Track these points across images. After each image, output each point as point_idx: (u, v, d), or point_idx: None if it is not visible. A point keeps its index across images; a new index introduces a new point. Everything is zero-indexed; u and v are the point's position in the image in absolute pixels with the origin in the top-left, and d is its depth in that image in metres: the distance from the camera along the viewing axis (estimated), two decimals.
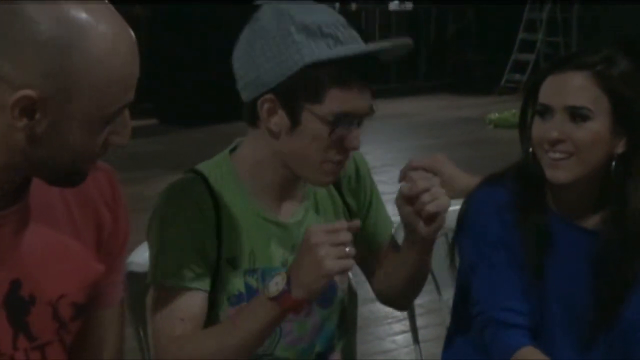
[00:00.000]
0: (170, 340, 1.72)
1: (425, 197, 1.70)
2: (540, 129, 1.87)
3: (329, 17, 1.70)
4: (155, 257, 1.77)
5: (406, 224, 1.78)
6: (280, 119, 1.71)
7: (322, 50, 1.66)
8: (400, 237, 1.94)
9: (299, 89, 1.68)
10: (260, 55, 1.71)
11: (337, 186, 1.90)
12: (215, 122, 9.28)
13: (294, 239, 1.82)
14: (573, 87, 1.84)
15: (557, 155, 1.85)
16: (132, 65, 1.31)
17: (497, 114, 9.27)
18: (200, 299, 1.75)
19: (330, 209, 1.90)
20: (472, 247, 1.92)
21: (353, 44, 1.69)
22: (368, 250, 1.93)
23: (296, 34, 1.66)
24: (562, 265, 1.93)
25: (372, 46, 1.74)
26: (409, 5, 12.30)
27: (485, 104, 10.12)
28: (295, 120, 1.70)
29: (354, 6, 11.76)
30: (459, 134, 8.50)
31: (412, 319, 2.28)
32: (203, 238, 1.75)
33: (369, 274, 1.97)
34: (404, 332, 2.78)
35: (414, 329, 2.29)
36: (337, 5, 11.68)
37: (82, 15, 1.24)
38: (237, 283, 1.78)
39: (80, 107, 1.27)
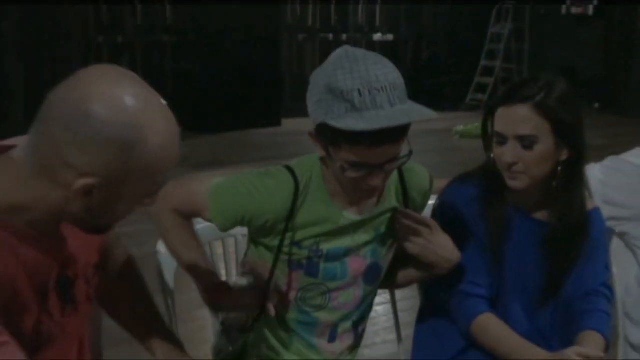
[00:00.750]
0: (169, 198, 1.74)
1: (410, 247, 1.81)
2: (498, 152, 1.88)
3: (358, 80, 1.55)
4: (227, 176, 1.78)
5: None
6: (321, 149, 1.67)
7: (340, 112, 1.55)
8: None
9: (324, 136, 1.62)
10: (308, 95, 1.64)
11: (405, 192, 1.84)
12: (226, 130, 9.25)
13: (358, 232, 1.80)
14: (519, 119, 1.83)
15: (514, 175, 1.87)
16: (177, 154, 1.31)
17: (462, 127, 9.23)
18: (204, 219, 1.81)
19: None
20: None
21: (371, 111, 1.54)
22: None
23: (324, 93, 1.57)
24: (517, 248, 1.95)
25: (372, 123, 1.53)
26: (390, 37, 12.30)
27: (453, 118, 10.07)
28: (328, 154, 1.65)
29: (344, 37, 11.74)
30: (431, 143, 8.48)
31: (391, 292, 2.28)
32: (259, 209, 1.72)
33: None
34: (383, 303, 2.77)
35: (393, 301, 2.28)
36: (331, 35, 11.68)
37: (144, 119, 1.23)
38: (301, 255, 1.77)
39: (131, 190, 1.29)
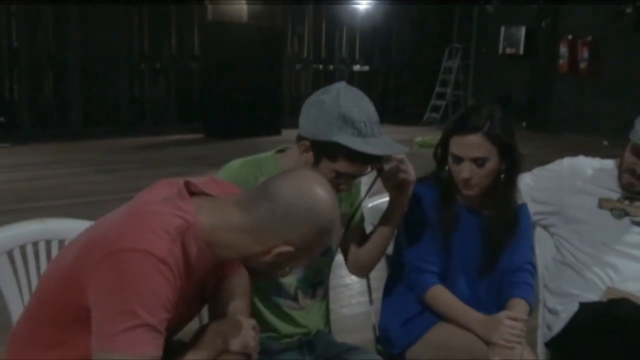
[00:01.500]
0: None
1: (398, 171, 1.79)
2: (456, 169, 1.88)
3: (363, 114, 1.63)
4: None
5: (389, 192, 1.83)
6: (309, 157, 1.68)
7: (346, 135, 1.61)
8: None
9: (324, 149, 1.65)
10: (312, 116, 1.66)
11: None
12: (243, 137, 9.22)
13: None
14: (473, 146, 1.83)
15: (469, 187, 1.87)
16: None
17: (421, 138, 9.22)
18: None
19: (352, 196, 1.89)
20: (405, 223, 1.92)
21: (370, 137, 1.62)
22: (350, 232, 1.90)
23: (336, 118, 1.62)
24: (463, 235, 1.94)
25: (377, 149, 1.63)
26: (366, 67, 12.32)
27: (413, 131, 10.10)
28: (317, 163, 1.67)
29: (331, 67, 11.75)
30: None
31: None
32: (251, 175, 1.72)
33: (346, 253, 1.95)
34: None
35: None
36: (321, 66, 11.68)
37: (335, 213, 1.34)
38: None
39: (307, 257, 1.38)
